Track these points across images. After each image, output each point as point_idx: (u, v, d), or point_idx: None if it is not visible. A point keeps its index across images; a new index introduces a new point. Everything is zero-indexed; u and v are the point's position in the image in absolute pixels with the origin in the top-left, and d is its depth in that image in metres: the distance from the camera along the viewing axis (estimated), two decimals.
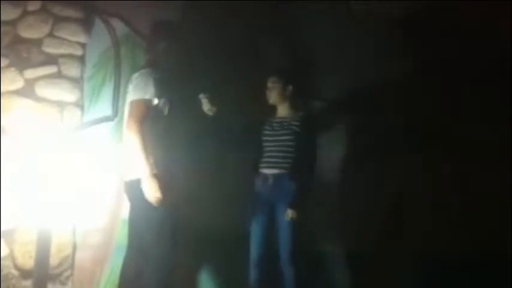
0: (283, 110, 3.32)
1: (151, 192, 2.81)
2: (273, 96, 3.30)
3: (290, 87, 3.28)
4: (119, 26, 3.36)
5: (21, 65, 3.18)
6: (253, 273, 3.18)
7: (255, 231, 3.21)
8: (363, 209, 3.48)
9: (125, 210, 3.14)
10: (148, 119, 2.90)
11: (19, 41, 3.20)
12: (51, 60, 3.23)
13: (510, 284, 3.36)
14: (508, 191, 3.46)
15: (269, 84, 3.30)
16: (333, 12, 3.60)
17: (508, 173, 3.49)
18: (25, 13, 3.21)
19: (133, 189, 2.91)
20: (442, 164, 3.51)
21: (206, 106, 3.09)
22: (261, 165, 3.23)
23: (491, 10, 3.56)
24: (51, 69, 3.23)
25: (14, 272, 3.08)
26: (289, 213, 3.07)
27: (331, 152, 3.56)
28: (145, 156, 2.82)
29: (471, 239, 3.43)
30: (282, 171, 3.16)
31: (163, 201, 2.84)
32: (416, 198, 3.52)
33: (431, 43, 3.64)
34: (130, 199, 2.98)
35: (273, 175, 3.18)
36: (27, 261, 3.07)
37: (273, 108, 3.35)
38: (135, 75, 2.98)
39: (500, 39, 3.61)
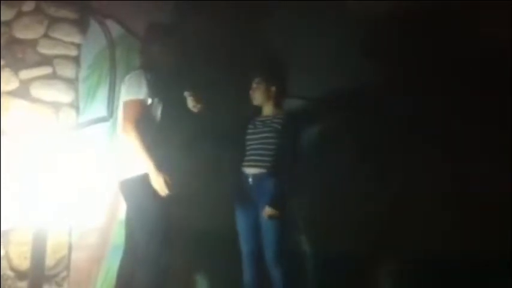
0: (267, 110, 3.33)
1: (161, 185, 2.81)
2: (257, 96, 3.32)
3: (273, 88, 3.29)
4: (114, 27, 3.35)
5: (16, 65, 3.16)
6: (245, 273, 3.19)
7: (242, 231, 3.21)
8: (362, 209, 3.46)
9: (121, 210, 3.14)
10: (142, 119, 2.90)
11: (14, 41, 3.17)
12: (46, 61, 3.21)
13: (510, 284, 3.34)
14: (508, 191, 3.44)
15: (253, 85, 3.32)
16: (330, 12, 3.58)
17: (508, 173, 3.46)
18: (20, 14, 3.18)
19: (128, 189, 2.92)
20: (442, 164, 3.49)
21: (191, 103, 3.10)
22: (244, 163, 3.23)
23: (491, 10, 3.54)
24: (46, 70, 3.21)
25: (10, 273, 3.05)
26: (267, 211, 3.06)
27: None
28: (147, 152, 2.83)
29: (471, 239, 3.42)
30: (262, 170, 3.16)
31: (157, 201, 2.83)
32: (416, 198, 3.50)
33: (431, 43, 3.63)
34: (126, 199, 2.98)
35: (253, 175, 3.18)
36: (23, 262, 3.04)
37: (260, 109, 3.36)
38: (128, 76, 3.00)
39: (500, 39, 3.58)
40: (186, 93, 3.11)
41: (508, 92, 3.58)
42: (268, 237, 3.11)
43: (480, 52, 3.62)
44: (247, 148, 3.25)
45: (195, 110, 3.10)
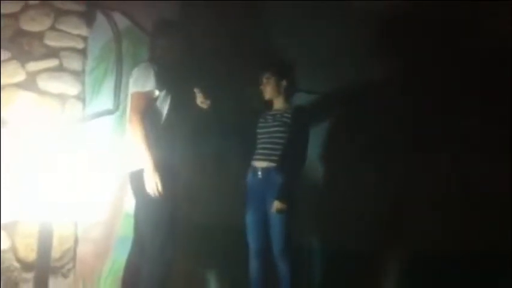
0: (278, 104, 3.36)
1: (153, 184, 2.83)
2: (267, 90, 3.34)
3: (284, 82, 3.31)
4: (121, 19, 3.33)
5: (23, 58, 3.15)
6: (251, 267, 3.23)
7: (250, 225, 3.24)
8: (362, 208, 3.49)
9: (126, 203, 3.16)
10: (149, 111, 2.92)
11: (21, 34, 3.15)
12: (52, 53, 3.20)
13: (510, 284, 3.40)
14: (508, 190, 3.48)
15: (264, 80, 3.34)
16: (332, 10, 3.57)
17: (508, 172, 3.50)
18: (27, 6, 3.16)
19: (136, 181, 2.94)
20: (442, 164, 3.52)
21: (199, 99, 3.12)
22: (254, 157, 3.27)
23: (492, 10, 3.55)
24: (52, 62, 3.19)
25: (16, 264, 3.08)
26: (275, 205, 3.10)
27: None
28: (148, 148, 2.84)
29: (471, 238, 3.47)
30: (271, 164, 3.19)
31: (163, 195, 2.86)
32: (417, 198, 3.53)
33: (432, 42, 3.64)
34: (134, 191, 3.00)
35: (262, 168, 3.21)
36: (29, 254, 3.06)
37: (271, 103, 3.38)
38: (136, 68, 3.00)
39: (500, 39, 3.59)
40: (195, 90, 3.12)
41: (508, 92, 3.61)
42: (275, 231, 3.14)
43: (480, 52, 3.64)
44: (258, 142, 3.28)
45: (203, 105, 3.12)
